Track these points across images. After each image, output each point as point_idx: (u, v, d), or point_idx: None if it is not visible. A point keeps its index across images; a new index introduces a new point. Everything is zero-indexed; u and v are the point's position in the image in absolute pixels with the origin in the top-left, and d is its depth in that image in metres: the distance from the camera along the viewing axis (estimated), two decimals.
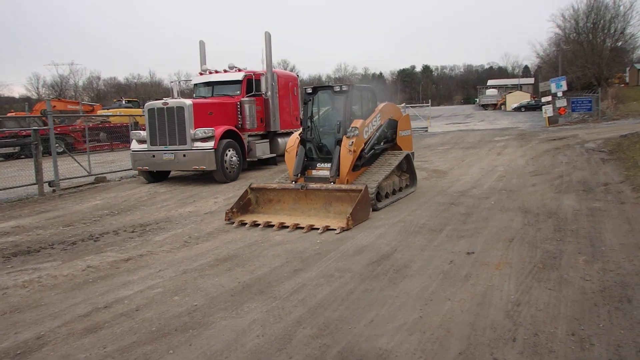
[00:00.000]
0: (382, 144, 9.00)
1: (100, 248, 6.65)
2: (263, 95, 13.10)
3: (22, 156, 20.32)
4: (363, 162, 8.30)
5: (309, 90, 8.57)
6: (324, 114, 8.77)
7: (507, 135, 22.55)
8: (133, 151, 11.90)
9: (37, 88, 74.14)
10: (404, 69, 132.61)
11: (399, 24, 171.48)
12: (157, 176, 12.27)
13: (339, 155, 7.91)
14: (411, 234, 6.24)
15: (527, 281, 4.36)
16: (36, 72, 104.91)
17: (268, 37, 13.22)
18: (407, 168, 9.29)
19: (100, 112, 28.97)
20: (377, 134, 8.63)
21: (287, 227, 6.97)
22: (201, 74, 13.49)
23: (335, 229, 6.64)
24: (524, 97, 57.53)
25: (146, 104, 12.02)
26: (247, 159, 12.88)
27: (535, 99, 50.42)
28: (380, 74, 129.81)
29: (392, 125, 9.31)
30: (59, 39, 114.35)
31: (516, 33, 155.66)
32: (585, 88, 38.40)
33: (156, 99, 12.66)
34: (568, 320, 3.56)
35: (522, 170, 11.24)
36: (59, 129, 22.91)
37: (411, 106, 54.92)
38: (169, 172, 12.66)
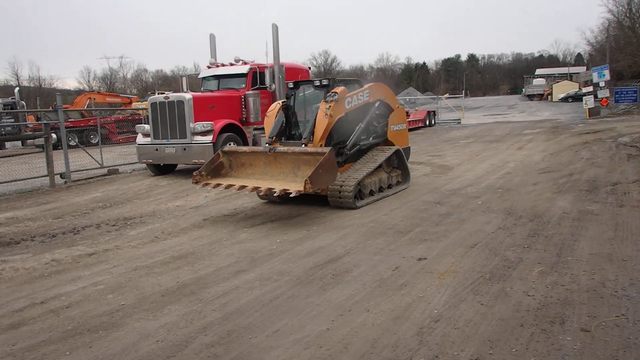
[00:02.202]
0: (370, 139, 8.68)
1: (75, 241, 6.79)
2: (268, 88, 12.98)
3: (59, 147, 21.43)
4: (345, 158, 8.03)
5: (291, 85, 8.37)
6: (308, 109, 8.54)
7: (539, 128, 21.40)
8: (138, 144, 12.14)
9: (89, 81, 77.75)
10: (448, 58, 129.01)
11: (444, 11, 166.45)
12: (163, 169, 12.47)
13: (315, 119, 7.70)
14: (374, 236, 5.95)
15: (462, 294, 4.02)
16: (87, 66, 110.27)
17: (275, 30, 13.06)
18: (398, 164, 8.91)
19: (134, 104, 29.91)
20: (363, 125, 8.29)
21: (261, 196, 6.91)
22: (209, 67, 13.54)
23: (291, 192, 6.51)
24: (572, 87, 54.39)
25: (149, 98, 12.22)
26: None
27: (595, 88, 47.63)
28: (424, 63, 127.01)
29: (384, 114, 8.96)
30: (110, 32, 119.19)
31: (568, 18, 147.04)
32: (636, 77, 35.81)
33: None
34: (481, 341, 3.23)
35: (532, 167, 10.56)
36: (91, 122, 23.91)
37: (446, 97, 53.38)
38: (176, 165, 12.83)
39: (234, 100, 12.37)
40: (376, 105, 8.72)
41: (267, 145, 7.80)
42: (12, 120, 21.10)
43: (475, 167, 11.21)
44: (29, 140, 22.29)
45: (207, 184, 7.55)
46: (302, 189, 6.37)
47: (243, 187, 7.06)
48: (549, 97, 58.96)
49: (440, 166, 11.64)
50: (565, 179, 8.94)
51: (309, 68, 15.78)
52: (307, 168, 7.05)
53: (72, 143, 20.92)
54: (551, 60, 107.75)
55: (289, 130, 8.51)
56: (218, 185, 7.44)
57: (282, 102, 8.49)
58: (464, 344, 3.20)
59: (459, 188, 8.71)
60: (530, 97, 66.41)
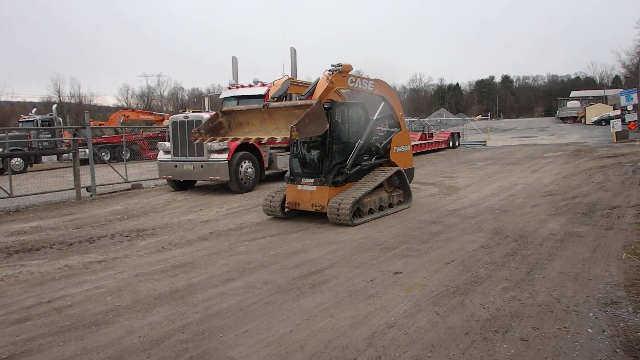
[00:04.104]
0: (373, 160, 9.03)
1: (89, 249, 7.37)
2: None
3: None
4: (346, 177, 8.38)
5: None
6: None
7: (561, 151, 21.17)
8: (159, 161, 12.87)
9: (127, 98, 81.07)
10: (482, 80, 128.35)
11: (478, 32, 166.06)
12: (182, 184, 13.13)
13: (317, 81, 7.99)
14: (362, 251, 6.26)
15: (422, 304, 4.29)
16: (127, 83, 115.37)
17: (293, 53, 13.69)
18: (399, 184, 9.20)
19: (165, 122, 31.23)
20: (362, 141, 8.62)
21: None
22: (229, 88, 14.25)
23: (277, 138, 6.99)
24: (607, 110, 53.14)
25: (170, 117, 12.97)
26: (269, 171, 13.38)
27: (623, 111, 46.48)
28: (457, 84, 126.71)
29: (386, 134, 9.32)
30: (150, 51, 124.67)
31: (605, 41, 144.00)
32: None
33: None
34: (424, 346, 3.50)
35: (539, 190, 10.62)
36: (121, 138, 25.18)
37: (478, 119, 52.62)
38: (195, 181, 13.46)
39: None
40: (380, 108, 9.06)
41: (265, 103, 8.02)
42: (49, 135, 22.49)
43: (483, 188, 11.34)
44: (64, 155, 23.66)
45: (203, 140, 7.98)
46: (288, 135, 6.65)
47: (236, 139, 7.52)
48: (583, 119, 57.79)
49: (448, 187, 11.82)
50: (566, 201, 9.00)
51: None
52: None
53: (106, 158, 22.10)
54: (588, 83, 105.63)
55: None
56: (213, 139, 7.88)
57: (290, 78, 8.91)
58: (407, 348, 3.49)
59: (459, 208, 8.91)
60: (564, 119, 65.26)
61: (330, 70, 8.04)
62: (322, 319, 4.10)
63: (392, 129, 9.71)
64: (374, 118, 9.20)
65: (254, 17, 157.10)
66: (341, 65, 8.07)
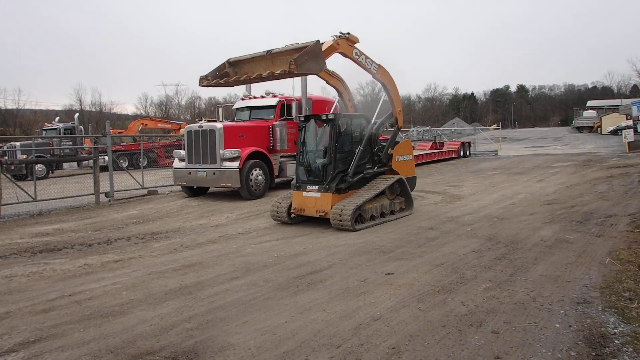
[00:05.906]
0: (375, 168, 9.42)
1: (107, 250, 7.90)
2: (294, 119, 14.04)
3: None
4: (348, 185, 8.78)
5: (302, 118, 9.32)
6: (318, 140, 9.43)
7: (571, 161, 21.26)
8: (175, 168, 13.45)
9: (145, 107, 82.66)
10: (497, 89, 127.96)
11: (494, 42, 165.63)
12: (196, 191, 13.67)
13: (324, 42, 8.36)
14: (359, 254, 6.66)
15: (408, 301, 4.67)
16: (145, 92, 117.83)
17: None
18: (401, 192, 9.57)
19: (182, 131, 32.06)
20: (361, 148, 9.01)
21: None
22: (242, 99, 14.83)
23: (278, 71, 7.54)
24: (621, 119, 52.66)
25: (185, 127, 13.56)
26: (279, 179, 13.86)
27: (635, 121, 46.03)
28: (472, 94, 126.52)
29: (385, 143, 9.74)
30: (168, 61, 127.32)
31: (621, 49, 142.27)
32: None
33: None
34: (403, 336, 3.88)
35: (540, 199, 10.88)
36: (139, 146, 25.97)
37: (493, 128, 52.54)
38: (208, 187, 14.00)
39: (262, 130, 13.50)
40: (382, 101, 9.39)
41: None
42: (71, 143, 23.38)
43: (485, 197, 11.63)
44: (84, 162, 24.51)
45: (210, 85, 8.73)
46: (287, 68, 7.08)
47: (238, 79, 8.14)
48: (599, 129, 57.28)
49: (452, 195, 12.13)
50: (564, 210, 9.26)
51: (337, 100, 16.72)
52: None
53: (124, 165, 22.88)
54: (605, 92, 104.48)
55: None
56: (218, 84, 8.69)
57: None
58: (388, 337, 3.87)
59: (458, 216, 9.23)
60: (580, 129, 64.71)
61: (337, 36, 8.37)
62: (314, 313, 4.51)
63: (391, 129, 10.07)
64: (374, 119, 9.57)
65: (269, 32, 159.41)
66: (349, 33, 8.41)
